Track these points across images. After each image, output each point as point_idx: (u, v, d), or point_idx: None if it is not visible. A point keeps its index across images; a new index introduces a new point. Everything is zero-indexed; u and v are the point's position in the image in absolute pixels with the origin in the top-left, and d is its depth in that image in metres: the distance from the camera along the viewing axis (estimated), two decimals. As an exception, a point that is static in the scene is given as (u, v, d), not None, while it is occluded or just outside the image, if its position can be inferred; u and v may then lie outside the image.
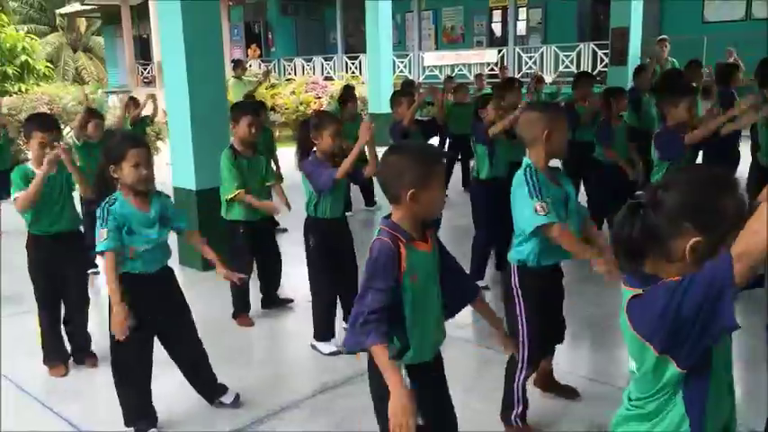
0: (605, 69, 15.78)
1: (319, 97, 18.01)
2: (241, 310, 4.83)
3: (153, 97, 8.69)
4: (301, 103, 17.63)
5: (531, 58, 19.14)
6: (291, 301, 5.13)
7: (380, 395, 2.23)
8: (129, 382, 3.30)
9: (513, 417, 3.20)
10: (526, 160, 3.00)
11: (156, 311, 3.27)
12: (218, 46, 6.20)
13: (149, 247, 3.18)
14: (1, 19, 17.61)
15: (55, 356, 4.09)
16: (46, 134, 3.82)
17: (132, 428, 3.34)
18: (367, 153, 4.02)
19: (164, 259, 3.33)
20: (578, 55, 18.09)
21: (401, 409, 2.02)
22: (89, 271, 5.78)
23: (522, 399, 3.19)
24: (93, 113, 6.29)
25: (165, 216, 3.28)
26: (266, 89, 17.35)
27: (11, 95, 14.01)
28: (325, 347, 4.27)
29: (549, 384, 3.58)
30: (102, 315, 4.36)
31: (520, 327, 3.08)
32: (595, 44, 17.79)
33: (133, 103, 8.64)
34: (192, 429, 3.40)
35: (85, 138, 6.02)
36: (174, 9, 5.78)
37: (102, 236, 3.05)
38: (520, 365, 3.13)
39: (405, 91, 7.12)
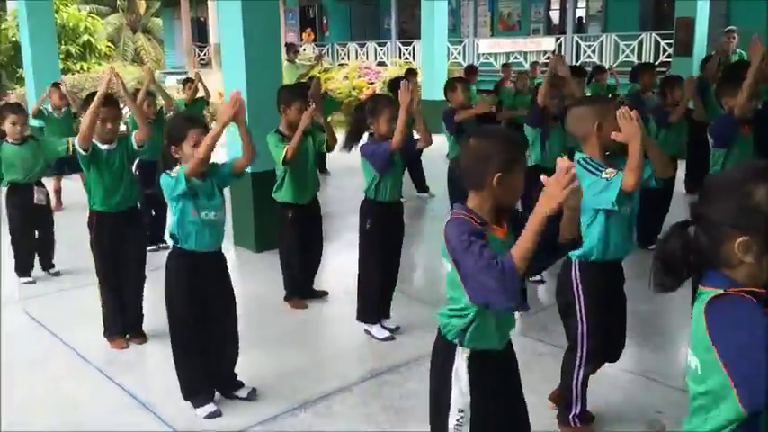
0: (668, 60, 15.30)
1: (372, 83, 18.00)
2: (293, 292, 4.87)
3: (198, 77, 8.80)
4: (354, 88, 17.66)
5: (589, 46, 18.70)
6: (326, 294, 5.12)
7: (439, 385, 2.23)
8: (186, 358, 3.39)
9: (570, 417, 3.14)
10: (579, 154, 2.95)
11: (209, 291, 3.35)
12: (275, 30, 6.26)
13: (213, 216, 3.25)
14: (65, -1, 18.13)
15: (115, 330, 4.22)
16: (106, 110, 3.94)
17: (190, 402, 3.42)
18: (416, 125, 4.02)
19: (219, 239, 3.39)
20: (639, 45, 17.59)
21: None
22: (148, 248, 6.01)
23: (581, 397, 3.12)
24: (149, 94, 6.47)
25: (220, 181, 3.35)
26: (319, 73, 17.44)
27: (73, 74, 14.42)
28: (379, 332, 4.30)
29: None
30: (158, 293, 4.49)
31: (579, 322, 3.04)
32: (658, 34, 17.26)
33: (189, 84, 8.77)
34: (245, 409, 3.46)
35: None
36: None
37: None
38: (578, 362, 3.07)
39: (460, 77, 7.04)
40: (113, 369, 3.91)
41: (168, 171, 3.18)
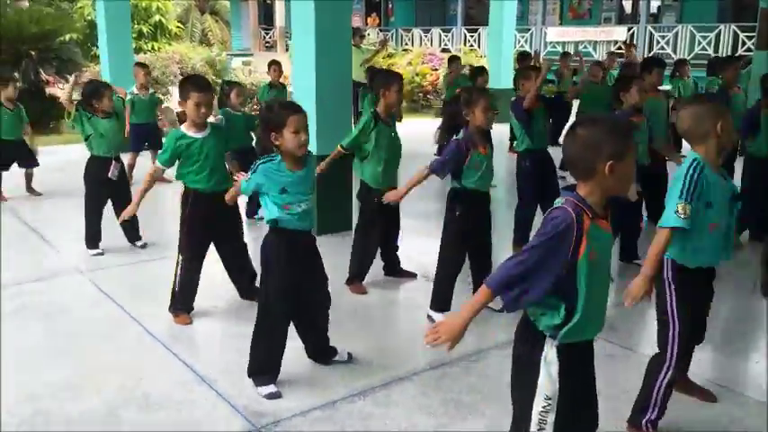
0: (747, 54, 14.62)
1: (436, 69, 17.81)
2: (356, 276, 4.84)
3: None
4: (417, 75, 17.51)
5: (663, 37, 18.05)
6: (415, 275, 5.11)
7: (525, 371, 2.20)
8: (267, 336, 3.40)
9: (643, 421, 3.01)
10: (692, 154, 2.83)
11: (307, 272, 3.41)
12: (347, 14, 6.18)
13: (304, 207, 3.29)
14: (139, -21, 18.52)
15: (182, 306, 4.27)
16: (201, 95, 3.96)
17: (253, 379, 3.44)
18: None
19: (313, 222, 3.43)
20: (717, 37, 16.87)
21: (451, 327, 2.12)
22: (255, 217, 6.25)
23: (661, 403, 3.00)
24: (236, 84, 6.55)
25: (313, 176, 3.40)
26: (383, 58, 17.35)
27: (145, 53, 14.75)
28: (441, 319, 4.23)
29: (682, 385, 3.34)
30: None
31: (671, 321, 2.94)
32: (737, 26, 16.53)
33: (275, 66, 8.88)
34: (305, 393, 3.45)
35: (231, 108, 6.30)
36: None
37: (245, 178, 3.31)
38: (666, 364, 2.95)
39: (534, 66, 6.85)
40: (178, 345, 3.96)
41: (263, 159, 3.26)
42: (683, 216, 2.72)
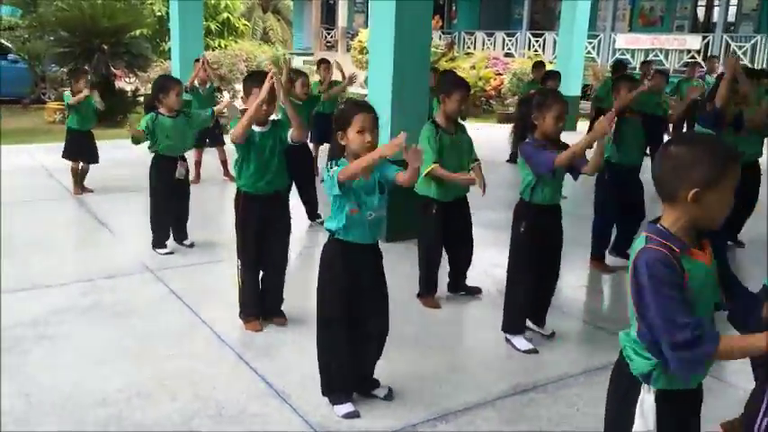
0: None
1: (500, 74, 17.51)
2: (427, 289, 4.65)
3: (338, 66, 8.71)
4: (480, 79, 17.24)
5: (740, 47, 17.29)
6: (479, 291, 4.89)
7: (620, 415, 2.02)
8: (331, 352, 3.25)
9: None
10: None
11: (364, 286, 3.20)
12: (428, 12, 6.00)
13: (374, 216, 3.09)
14: (207, -23, 18.77)
15: (252, 312, 4.16)
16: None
17: (328, 398, 3.29)
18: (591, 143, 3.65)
19: (379, 234, 3.22)
20: (799, 48, 16.08)
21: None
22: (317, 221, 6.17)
23: None
24: (301, 73, 6.42)
25: (384, 179, 3.13)
26: (446, 62, 17.13)
27: (213, 50, 14.90)
28: (522, 343, 4.01)
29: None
30: (305, 274, 4.38)
31: None
32: (821, 37, 15.71)
33: (325, 66, 8.71)
34: (383, 413, 3.27)
35: (294, 98, 6.14)
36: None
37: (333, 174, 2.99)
38: (766, 402, 2.67)
39: (626, 75, 6.54)
40: (250, 353, 3.84)
41: (331, 163, 3.03)
42: None
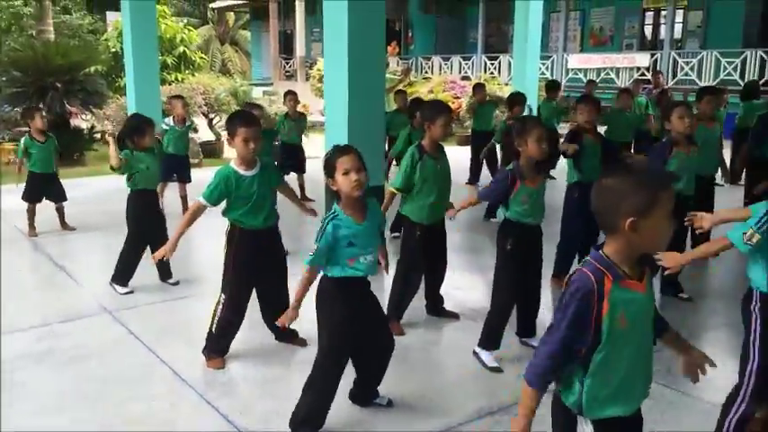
0: (775, 79, 14.39)
1: (458, 97, 17.75)
2: (394, 316, 4.64)
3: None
4: (439, 103, 17.43)
5: (687, 63, 17.87)
6: (458, 316, 4.90)
7: None
8: (320, 385, 3.23)
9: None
10: None
11: (364, 321, 3.26)
12: (380, 44, 6.07)
13: (370, 259, 3.14)
14: (163, 11, 18.72)
15: (217, 349, 4.09)
16: (249, 130, 3.81)
17: (293, 430, 3.25)
18: None
19: (374, 271, 3.26)
20: (743, 62, 16.65)
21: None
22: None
23: None
24: (255, 106, 6.42)
25: (382, 225, 3.29)
26: (404, 87, 17.31)
27: (169, 84, 14.82)
28: (488, 359, 4.07)
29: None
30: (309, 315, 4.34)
31: (750, 354, 2.77)
32: (764, 51, 16.30)
33: (291, 96, 8.83)
34: (348, 443, 3.24)
35: None
36: (341, 6, 5.72)
37: (313, 251, 3.07)
38: (739, 400, 2.76)
39: (588, 95, 6.69)
40: (212, 392, 3.76)
41: (327, 217, 3.10)
42: (746, 240, 2.66)
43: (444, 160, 4.56)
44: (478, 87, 10.54)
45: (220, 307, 4.05)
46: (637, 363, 1.97)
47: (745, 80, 15.41)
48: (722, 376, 3.34)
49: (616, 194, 1.86)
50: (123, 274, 5.42)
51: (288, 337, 4.31)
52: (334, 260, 3.10)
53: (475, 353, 4.16)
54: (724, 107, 9.24)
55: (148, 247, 5.37)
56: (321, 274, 3.19)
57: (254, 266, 4.02)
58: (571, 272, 1.97)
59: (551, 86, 11.10)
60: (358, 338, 3.24)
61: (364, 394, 3.55)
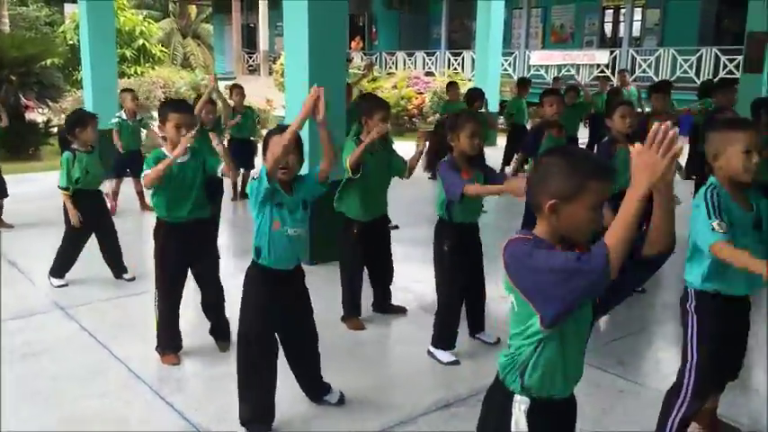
0: (728, 77, 14.74)
1: (421, 93, 17.81)
2: (351, 312, 4.65)
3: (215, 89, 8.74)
4: (402, 98, 17.48)
5: (645, 60, 18.21)
6: (405, 310, 4.92)
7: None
8: (252, 381, 3.20)
9: (656, 460, 2.87)
10: (711, 179, 2.72)
11: (287, 311, 3.23)
12: (342, 38, 6.07)
13: (296, 232, 3.12)
14: (122, 2, 18.37)
15: (169, 344, 4.05)
16: (180, 116, 3.81)
17: (245, 428, 3.22)
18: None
19: (300, 256, 3.27)
20: (699, 60, 17.04)
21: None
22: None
23: None
24: (210, 101, 6.40)
25: (308, 195, 3.22)
26: (368, 82, 17.31)
27: (129, 77, 14.56)
28: (444, 356, 4.08)
29: (710, 424, 3.19)
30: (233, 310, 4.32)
31: (689, 353, 2.82)
32: (719, 49, 16.70)
33: (237, 90, 8.73)
34: (304, 437, 3.24)
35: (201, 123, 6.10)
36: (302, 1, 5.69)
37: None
38: (680, 399, 2.81)
39: (553, 89, 6.75)
40: (166, 388, 3.72)
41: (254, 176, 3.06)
42: (721, 231, 2.53)
43: (384, 155, 4.53)
44: (452, 86, 10.56)
45: (156, 303, 4.04)
46: (575, 343, 1.91)
47: (701, 77, 15.79)
48: (670, 365, 3.44)
49: (546, 174, 1.82)
50: (60, 268, 5.40)
51: (215, 334, 4.27)
52: (262, 224, 3.08)
53: (429, 352, 4.16)
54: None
55: (98, 244, 5.35)
56: (250, 260, 3.19)
57: (182, 261, 3.98)
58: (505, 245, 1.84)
59: (522, 83, 11.21)
60: (280, 325, 3.22)
61: (308, 387, 3.53)
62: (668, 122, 1.58)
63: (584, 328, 1.91)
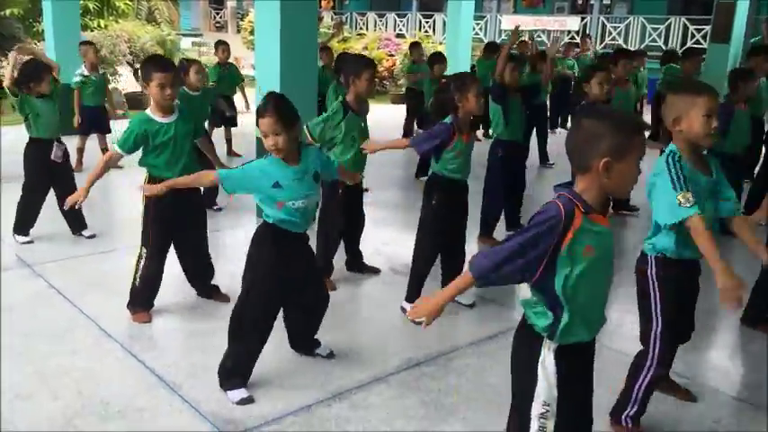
0: (696, 46, 14.92)
1: (392, 55, 17.64)
2: (325, 271, 4.67)
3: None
4: (373, 60, 17.29)
5: (615, 28, 18.31)
6: (378, 271, 4.96)
7: (523, 376, 2.14)
8: (244, 337, 3.22)
9: (624, 416, 2.99)
10: (670, 146, 2.74)
11: (298, 273, 3.25)
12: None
13: (301, 204, 3.09)
14: (84, -47, 17.63)
15: (142, 303, 4.03)
16: (165, 75, 3.72)
17: (223, 383, 3.25)
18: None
19: (309, 223, 3.25)
20: (667, 29, 17.20)
21: (427, 304, 2.11)
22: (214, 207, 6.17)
23: (641, 401, 2.97)
24: (194, 62, 6.24)
25: (322, 170, 3.22)
26: (338, 42, 17.06)
27: (91, 30, 14.11)
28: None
29: (665, 385, 3.31)
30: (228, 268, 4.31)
31: (654, 322, 2.89)
32: (687, 18, 16.87)
33: (223, 47, 8.67)
34: (278, 396, 3.27)
35: (189, 89, 5.96)
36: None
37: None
38: (648, 363, 2.92)
39: (513, 55, 6.76)
40: (137, 345, 3.72)
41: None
42: (688, 205, 2.56)
43: (365, 119, 4.56)
44: (415, 46, 10.49)
45: (142, 261, 3.99)
46: (602, 291, 2.11)
47: (668, 46, 15.95)
48: (631, 328, 3.55)
49: (594, 135, 1.93)
50: (23, 224, 5.32)
51: (209, 292, 4.30)
52: (266, 201, 3.09)
53: (402, 308, 4.24)
54: (643, 69, 9.57)
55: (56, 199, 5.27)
56: (262, 218, 3.19)
57: (173, 220, 3.95)
58: (546, 202, 2.01)
59: (491, 47, 11.15)
60: (286, 288, 3.24)
61: (301, 344, 3.61)
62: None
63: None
